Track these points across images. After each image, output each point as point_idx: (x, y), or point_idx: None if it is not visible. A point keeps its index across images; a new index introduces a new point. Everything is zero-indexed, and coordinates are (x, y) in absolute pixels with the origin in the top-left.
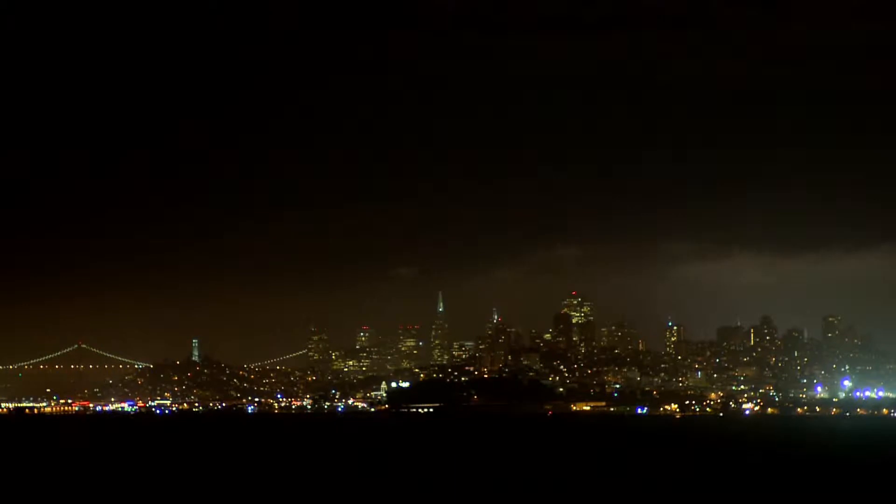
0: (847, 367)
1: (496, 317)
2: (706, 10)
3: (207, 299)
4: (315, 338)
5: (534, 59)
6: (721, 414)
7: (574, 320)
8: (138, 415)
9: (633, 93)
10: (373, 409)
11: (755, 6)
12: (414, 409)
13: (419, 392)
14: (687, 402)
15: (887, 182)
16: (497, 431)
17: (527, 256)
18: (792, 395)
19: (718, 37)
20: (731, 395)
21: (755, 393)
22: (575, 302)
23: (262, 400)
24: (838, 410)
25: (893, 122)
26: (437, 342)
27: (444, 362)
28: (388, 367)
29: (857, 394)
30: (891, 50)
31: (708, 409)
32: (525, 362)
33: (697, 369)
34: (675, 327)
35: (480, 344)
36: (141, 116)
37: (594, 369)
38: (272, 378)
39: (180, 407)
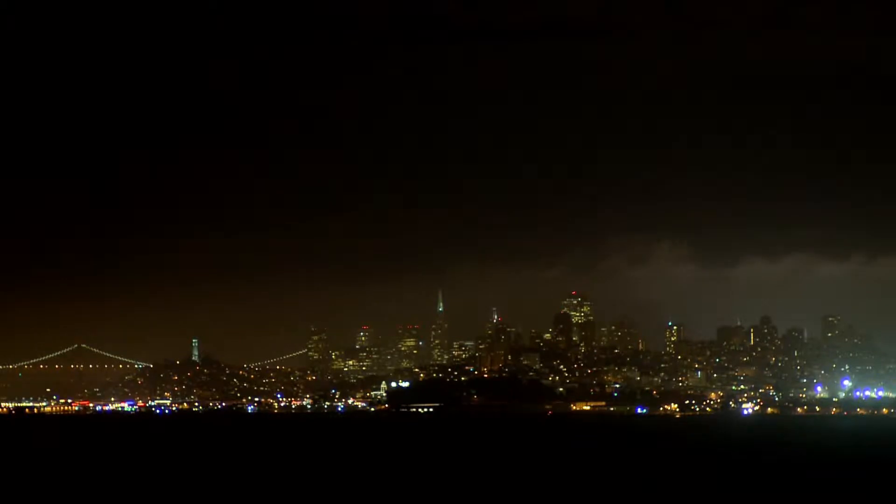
0: (847, 367)
1: (496, 317)
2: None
3: (207, 299)
4: (315, 338)
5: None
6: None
7: (574, 320)
8: (138, 414)
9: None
10: (373, 409)
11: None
12: (414, 409)
13: (419, 392)
14: (687, 401)
15: (888, 182)
16: (497, 431)
17: (526, 256)
18: (792, 394)
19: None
20: (730, 395)
21: (755, 393)
22: (575, 302)
23: (262, 400)
24: (838, 410)
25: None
26: (437, 342)
27: (444, 362)
28: (388, 366)
29: (857, 394)
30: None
31: (708, 408)
32: (525, 362)
33: (697, 369)
34: (675, 327)
35: (480, 344)
36: (142, 117)
37: (594, 369)
38: (272, 378)
39: (180, 407)
